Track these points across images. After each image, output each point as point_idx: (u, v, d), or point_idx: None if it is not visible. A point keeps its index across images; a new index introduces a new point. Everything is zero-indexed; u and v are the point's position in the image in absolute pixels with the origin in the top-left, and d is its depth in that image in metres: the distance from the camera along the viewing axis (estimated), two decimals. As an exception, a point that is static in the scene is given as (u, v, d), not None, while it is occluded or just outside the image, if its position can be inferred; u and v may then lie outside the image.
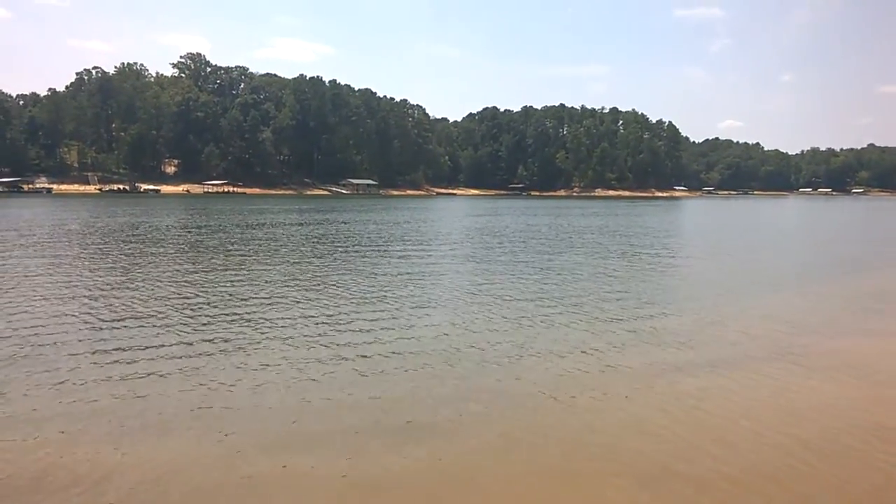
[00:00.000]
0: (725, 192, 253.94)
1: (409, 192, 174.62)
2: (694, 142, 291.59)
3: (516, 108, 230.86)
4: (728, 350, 13.75)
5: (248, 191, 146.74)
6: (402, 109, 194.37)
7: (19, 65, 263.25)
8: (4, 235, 37.28)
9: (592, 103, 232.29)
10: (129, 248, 31.91)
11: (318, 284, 21.08)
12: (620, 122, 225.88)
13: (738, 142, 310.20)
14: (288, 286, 20.63)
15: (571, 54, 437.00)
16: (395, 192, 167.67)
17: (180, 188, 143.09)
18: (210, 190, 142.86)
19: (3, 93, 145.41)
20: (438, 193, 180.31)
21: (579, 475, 8.04)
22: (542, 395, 10.74)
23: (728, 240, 45.08)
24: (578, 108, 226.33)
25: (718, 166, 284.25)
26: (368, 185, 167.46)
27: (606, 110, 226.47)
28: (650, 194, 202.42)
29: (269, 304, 17.57)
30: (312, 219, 58.76)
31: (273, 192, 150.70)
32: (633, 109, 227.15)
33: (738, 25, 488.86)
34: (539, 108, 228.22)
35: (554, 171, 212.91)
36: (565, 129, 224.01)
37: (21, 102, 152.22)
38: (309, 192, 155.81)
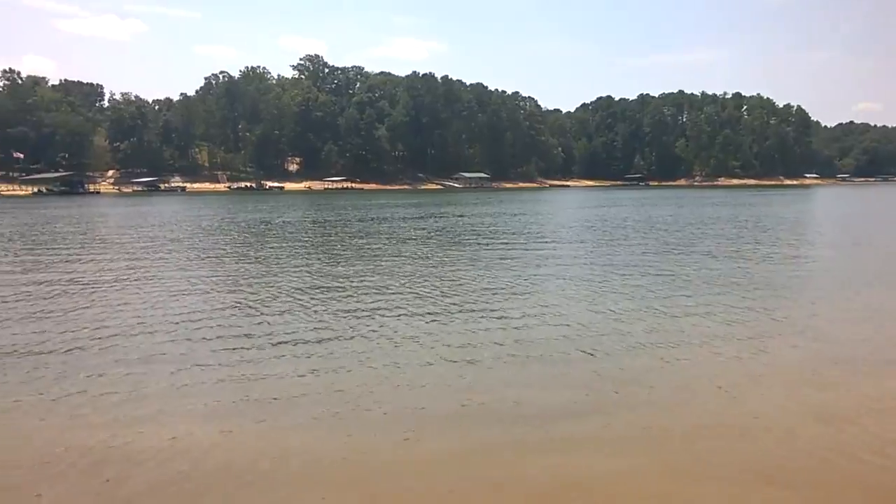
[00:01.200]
0: (862, 179, 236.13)
1: (522, 184, 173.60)
2: (826, 126, 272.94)
3: (631, 96, 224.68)
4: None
5: (365, 186, 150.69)
6: (514, 102, 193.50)
7: (155, 73, 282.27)
8: (155, 232, 39.87)
9: (712, 89, 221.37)
10: (267, 242, 33.28)
11: (454, 276, 21.04)
12: (744, 107, 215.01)
13: (875, 125, 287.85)
14: (426, 278, 20.71)
15: (687, 40, 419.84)
16: (508, 185, 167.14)
17: (302, 185, 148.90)
18: (330, 186, 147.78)
19: (141, 99, 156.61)
20: (551, 185, 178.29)
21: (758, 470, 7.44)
22: (706, 385, 10.22)
23: (874, 231, 41.74)
24: (698, 94, 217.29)
25: (854, 151, 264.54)
26: (480, 178, 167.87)
27: (728, 96, 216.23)
28: (778, 182, 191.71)
29: (412, 295, 17.67)
30: (429, 212, 59.39)
31: (389, 187, 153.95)
32: (758, 94, 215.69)
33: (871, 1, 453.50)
34: (656, 95, 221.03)
35: (672, 160, 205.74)
36: (684, 116, 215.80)
37: (157, 107, 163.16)
38: (422, 187, 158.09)
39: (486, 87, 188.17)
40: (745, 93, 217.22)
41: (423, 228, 41.21)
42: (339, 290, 18.63)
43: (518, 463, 7.80)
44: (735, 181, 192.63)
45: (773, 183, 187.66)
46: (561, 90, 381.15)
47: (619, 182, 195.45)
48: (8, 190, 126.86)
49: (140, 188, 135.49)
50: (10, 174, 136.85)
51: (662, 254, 26.92)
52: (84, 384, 10.44)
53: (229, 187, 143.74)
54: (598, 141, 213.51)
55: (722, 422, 8.93)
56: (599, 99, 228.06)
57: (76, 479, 7.42)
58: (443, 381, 10.57)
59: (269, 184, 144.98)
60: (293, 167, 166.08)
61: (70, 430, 8.71)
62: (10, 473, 7.56)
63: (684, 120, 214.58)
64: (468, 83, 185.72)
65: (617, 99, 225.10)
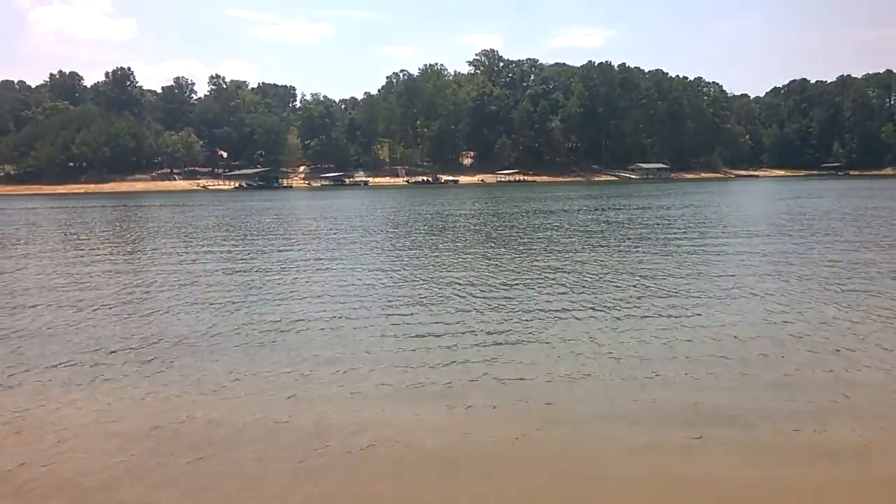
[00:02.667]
0: None
1: (704, 174, 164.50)
2: None
3: (829, 78, 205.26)
4: None
5: (537, 179, 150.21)
6: (696, 88, 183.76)
7: (341, 73, 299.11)
8: (353, 223, 42.17)
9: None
10: (454, 234, 34.04)
11: (651, 271, 20.26)
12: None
13: None
14: (617, 272, 20.14)
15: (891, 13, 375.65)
16: (689, 176, 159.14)
17: (476, 178, 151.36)
18: (502, 179, 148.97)
19: (329, 99, 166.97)
20: (738, 176, 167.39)
21: None
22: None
23: None
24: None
25: None
26: (659, 169, 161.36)
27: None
28: None
29: (602, 291, 17.21)
30: (609, 204, 57.86)
31: (561, 179, 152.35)
32: None
33: None
34: (859, 76, 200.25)
35: (878, 147, 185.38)
36: (892, 98, 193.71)
37: (343, 106, 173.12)
38: (597, 179, 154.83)
39: (666, 74, 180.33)
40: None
41: (605, 221, 40.16)
42: (538, 284, 18.49)
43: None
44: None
45: None
46: (749, 74, 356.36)
47: (814, 172, 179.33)
48: (214, 185, 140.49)
49: (327, 182, 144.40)
50: (216, 170, 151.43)
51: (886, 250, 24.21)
52: (298, 365, 11.08)
53: (407, 181, 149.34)
54: (790, 127, 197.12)
55: None
56: (792, 82, 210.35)
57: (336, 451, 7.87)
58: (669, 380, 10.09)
59: (445, 177, 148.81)
60: (467, 161, 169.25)
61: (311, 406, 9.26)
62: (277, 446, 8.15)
63: (893, 102, 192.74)
64: (646, 70, 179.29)
65: (813, 81, 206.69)
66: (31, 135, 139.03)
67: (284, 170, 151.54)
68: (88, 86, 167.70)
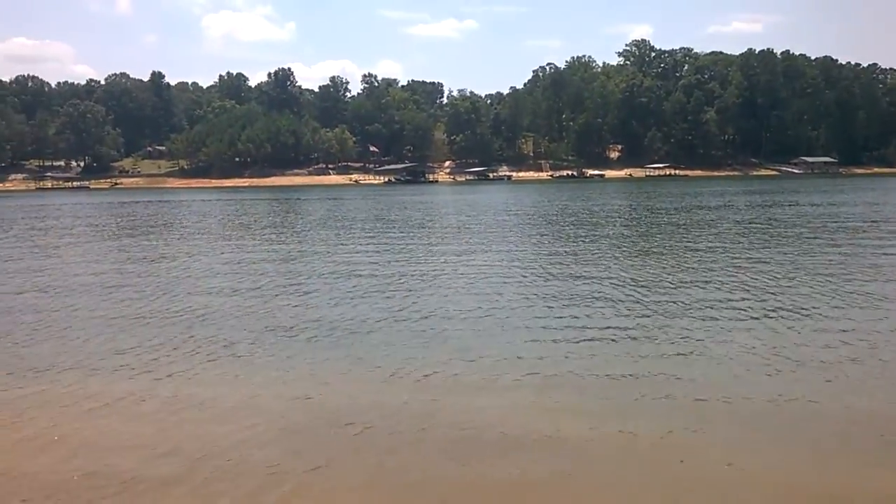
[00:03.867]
0: None
1: (877, 169, 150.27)
2: None
3: None
4: None
5: (689, 173, 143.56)
6: (870, 75, 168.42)
7: (487, 69, 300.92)
8: (497, 217, 42.34)
9: None
10: (608, 229, 33.24)
11: (833, 273, 18.71)
12: None
13: None
14: (797, 271, 18.75)
15: None
16: (860, 171, 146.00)
17: (623, 172, 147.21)
18: (651, 173, 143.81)
19: (475, 95, 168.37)
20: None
21: None
22: None
23: None
24: None
25: None
26: (826, 163, 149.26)
27: None
28: None
29: (782, 292, 16.06)
30: (774, 200, 54.11)
31: (716, 173, 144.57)
32: None
33: None
34: None
35: None
36: None
37: (489, 101, 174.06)
38: (755, 173, 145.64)
39: (836, 61, 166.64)
40: None
41: (772, 218, 37.58)
42: (708, 283, 17.58)
43: None
44: None
45: None
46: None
47: None
48: (365, 179, 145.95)
49: (471, 177, 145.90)
50: (367, 165, 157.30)
51: None
52: (428, 354, 11.08)
53: (551, 175, 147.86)
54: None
55: None
56: None
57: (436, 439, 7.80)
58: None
59: (590, 171, 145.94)
60: (614, 154, 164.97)
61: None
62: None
63: None
64: (812, 57, 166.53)
65: None
66: (202, 132, 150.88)
67: (430, 165, 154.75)
68: (253, 86, 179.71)
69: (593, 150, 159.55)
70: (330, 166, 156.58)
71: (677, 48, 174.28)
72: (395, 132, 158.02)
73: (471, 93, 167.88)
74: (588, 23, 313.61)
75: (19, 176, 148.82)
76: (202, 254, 25.81)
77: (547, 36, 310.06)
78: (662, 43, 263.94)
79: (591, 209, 47.41)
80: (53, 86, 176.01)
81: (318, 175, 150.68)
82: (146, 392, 9.65)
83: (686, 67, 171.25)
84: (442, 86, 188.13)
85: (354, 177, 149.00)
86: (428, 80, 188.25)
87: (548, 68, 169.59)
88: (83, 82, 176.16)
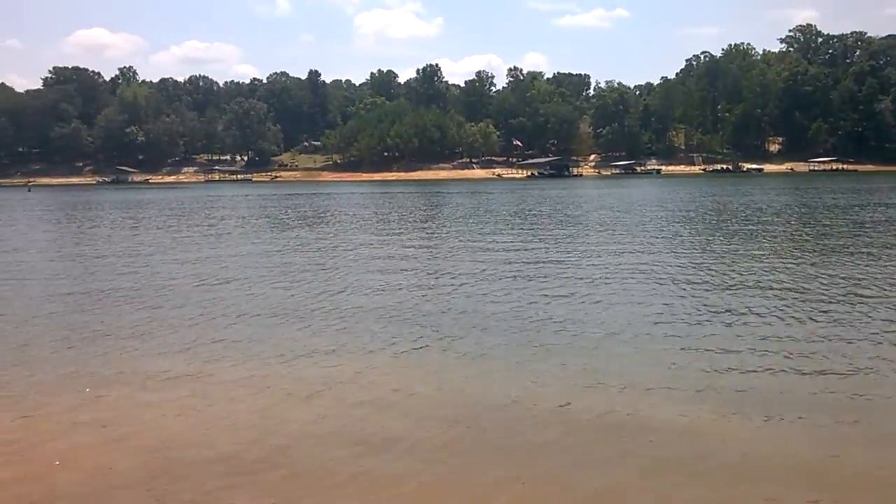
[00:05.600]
0: None
1: None
2: None
3: None
4: None
5: (859, 168, 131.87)
6: None
7: (637, 59, 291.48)
8: (647, 212, 41.05)
9: None
10: (774, 228, 31.35)
11: None
12: None
13: None
14: None
15: None
16: None
17: (783, 167, 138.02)
18: (816, 168, 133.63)
19: (623, 86, 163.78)
20: None
21: None
22: None
23: None
24: None
25: None
26: None
27: None
28: None
29: None
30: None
31: (891, 168, 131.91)
32: None
33: None
34: None
35: None
36: None
37: (637, 92, 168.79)
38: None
39: None
40: None
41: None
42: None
43: None
44: None
45: None
46: None
47: None
48: (508, 173, 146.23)
49: (618, 171, 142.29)
50: (510, 160, 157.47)
51: None
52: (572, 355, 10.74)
53: (704, 169, 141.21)
54: None
55: None
56: None
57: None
58: None
59: (747, 165, 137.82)
60: (774, 147, 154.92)
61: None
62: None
63: None
64: None
65: None
66: (354, 128, 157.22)
67: (575, 158, 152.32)
68: (402, 82, 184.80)
69: (751, 142, 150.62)
70: (473, 160, 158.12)
71: (848, 32, 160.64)
72: (540, 125, 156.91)
73: (619, 84, 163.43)
74: (747, 8, 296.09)
75: (191, 169, 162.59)
76: (370, 245, 26.86)
77: (702, 23, 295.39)
78: (829, 28, 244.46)
79: (755, 205, 44.71)
80: (221, 85, 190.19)
81: (462, 169, 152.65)
82: (333, 378, 10.10)
83: (858, 53, 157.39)
84: (588, 77, 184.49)
85: (497, 171, 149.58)
86: (574, 72, 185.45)
87: (702, 57, 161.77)
88: (247, 81, 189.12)
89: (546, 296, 15.60)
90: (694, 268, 19.25)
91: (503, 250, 24.15)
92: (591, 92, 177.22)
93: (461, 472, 7.09)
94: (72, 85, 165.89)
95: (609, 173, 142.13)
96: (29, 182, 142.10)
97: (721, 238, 26.90)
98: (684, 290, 16.04)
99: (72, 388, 9.82)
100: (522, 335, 12.24)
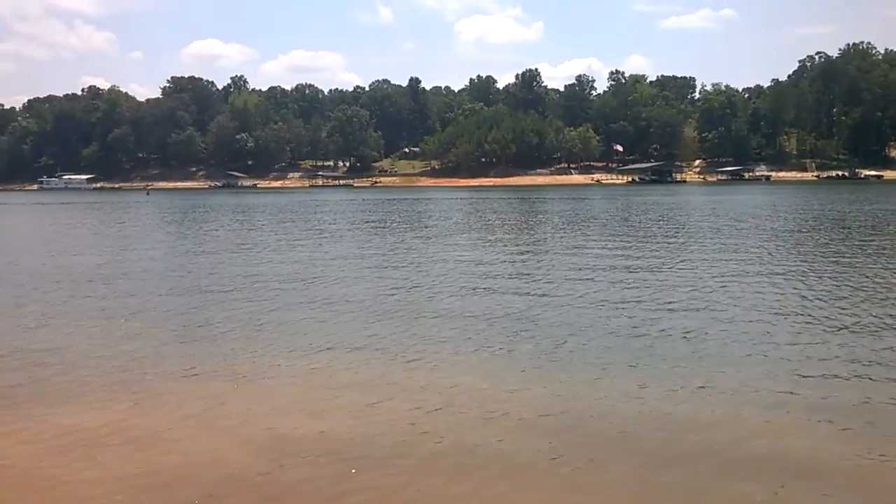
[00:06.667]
0: None
1: None
2: None
3: None
4: None
5: None
6: None
7: (745, 60, 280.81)
8: (758, 223, 39.45)
9: None
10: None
11: None
12: None
13: None
14: None
15: None
16: None
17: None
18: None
19: (731, 88, 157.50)
20: None
21: None
22: None
23: None
24: None
25: None
26: None
27: None
28: None
29: None
30: None
31: None
32: None
33: None
34: None
35: None
36: None
37: (746, 95, 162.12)
38: None
39: None
40: None
41: None
42: None
43: None
44: None
45: None
46: None
47: None
48: (607, 179, 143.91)
49: (724, 177, 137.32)
50: (610, 165, 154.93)
51: None
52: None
53: (818, 176, 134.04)
54: None
55: None
56: None
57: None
58: None
59: (865, 172, 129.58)
60: (894, 153, 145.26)
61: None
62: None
63: None
64: None
65: None
66: (452, 134, 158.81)
67: (678, 164, 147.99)
68: (500, 87, 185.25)
69: (870, 147, 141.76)
70: (572, 166, 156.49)
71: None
72: (641, 130, 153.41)
73: (726, 86, 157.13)
74: (863, 7, 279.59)
75: (296, 174, 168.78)
76: (471, 249, 27.15)
77: (814, 23, 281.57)
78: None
79: (882, 215, 42.14)
80: (326, 92, 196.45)
81: (560, 175, 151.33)
82: (418, 380, 10.51)
83: None
84: (694, 80, 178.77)
85: (596, 176, 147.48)
86: (679, 75, 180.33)
87: (817, 57, 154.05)
88: (350, 89, 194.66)
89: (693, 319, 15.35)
90: (834, 287, 18.41)
91: (615, 258, 23.86)
92: (697, 95, 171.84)
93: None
94: (187, 94, 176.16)
95: (715, 179, 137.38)
96: (147, 186, 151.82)
97: (857, 251, 25.54)
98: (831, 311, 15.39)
99: (191, 382, 10.60)
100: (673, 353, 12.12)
